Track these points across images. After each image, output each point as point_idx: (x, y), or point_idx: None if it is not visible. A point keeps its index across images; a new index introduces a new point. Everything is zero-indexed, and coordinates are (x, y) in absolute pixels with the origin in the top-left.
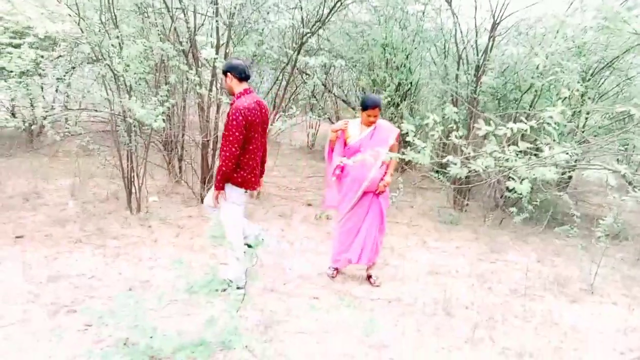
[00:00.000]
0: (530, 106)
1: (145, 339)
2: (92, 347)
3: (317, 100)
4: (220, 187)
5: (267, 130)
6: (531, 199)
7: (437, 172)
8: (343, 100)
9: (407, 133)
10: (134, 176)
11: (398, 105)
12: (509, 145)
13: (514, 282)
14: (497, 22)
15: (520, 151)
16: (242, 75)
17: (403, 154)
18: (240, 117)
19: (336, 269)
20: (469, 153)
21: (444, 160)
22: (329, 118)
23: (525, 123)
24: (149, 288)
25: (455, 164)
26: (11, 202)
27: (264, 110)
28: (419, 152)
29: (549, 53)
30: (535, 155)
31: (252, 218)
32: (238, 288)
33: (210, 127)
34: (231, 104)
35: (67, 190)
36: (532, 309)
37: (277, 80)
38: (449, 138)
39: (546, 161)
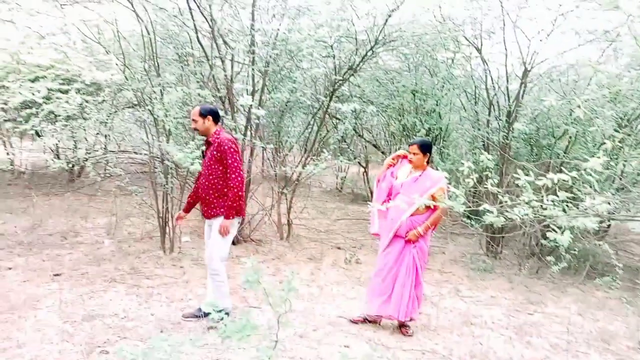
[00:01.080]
0: (565, 152)
1: None
2: None
3: (348, 144)
4: (232, 216)
5: None
6: (569, 247)
7: (468, 217)
8: (373, 145)
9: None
10: (168, 217)
11: None
12: (547, 194)
13: (555, 337)
14: (529, 69)
15: (561, 201)
16: (218, 119)
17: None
18: (235, 146)
19: (365, 318)
20: (506, 201)
21: (480, 208)
22: (358, 162)
23: (567, 173)
24: (180, 330)
25: (492, 212)
26: (50, 239)
27: None
28: (454, 199)
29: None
30: (574, 204)
31: (283, 260)
32: (227, 314)
33: (244, 170)
34: (209, 142)
35: (103, 229)
36: None
37: (308, 125)
38: (484, 185)
39: (588, 211)
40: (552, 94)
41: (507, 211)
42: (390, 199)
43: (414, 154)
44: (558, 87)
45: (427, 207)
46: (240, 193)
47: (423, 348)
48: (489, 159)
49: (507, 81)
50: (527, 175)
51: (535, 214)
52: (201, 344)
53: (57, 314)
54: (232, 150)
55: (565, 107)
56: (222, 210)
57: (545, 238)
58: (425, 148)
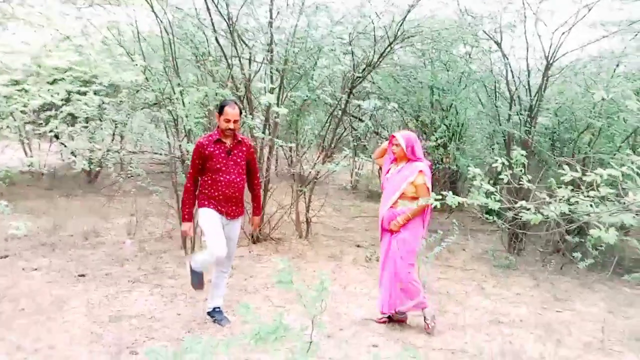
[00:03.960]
0: (589, 146)
1: None
2: None
3: (366, 142)
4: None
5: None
6: (595, 243)
7: (488, 213)
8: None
9: (474, 177)
10: None
11: (446, 146)
12: (587, 190)
13: (586, 335)
14: (551, 62)
15: (602, 197)
16: None
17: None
18: None
19: (388, 317)
20: (544, 198)
21: (517, 205)
22: (374, 160)
23: (617, 169)
24: (207, 330)
25: (529, 209)
26: (72, 240)
27: None
28: (488, 195)
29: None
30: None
31: (303, 259)
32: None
33: (263, 169)
34: (237, 141)
35: (123, 229)
36: None
37: (326, 122)
38: (519, 182)
39: (632, 207)
40: (575, 87)
41: (543, 208)
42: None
43: (396, 145)
44: (581, 80)
45: (411, 198)
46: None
47: (452, 347)
48: (522, 155)
49: (529, 75)
50: (574, 170)
51: (571, 211)
52: (236, 345)
53: (85, 315)
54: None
55: (588, 100)
56: (243, 209)
57: (570, 234)
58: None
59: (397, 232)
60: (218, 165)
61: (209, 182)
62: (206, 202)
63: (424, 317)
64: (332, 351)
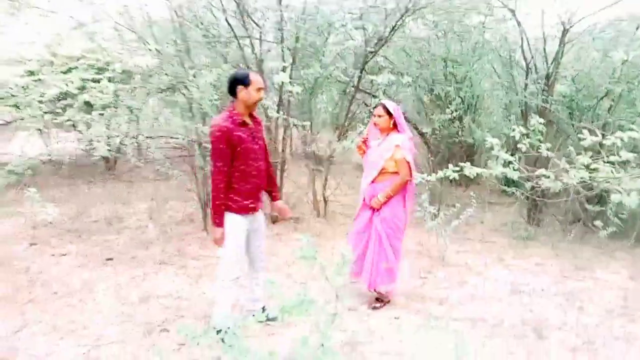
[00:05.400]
0: (608, 113)
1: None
2: None
3: None
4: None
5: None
6: (616, 211)
7: (507, 184)
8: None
9: (491, 147)
10: (208, 199)
11: (462, 119)
12: (608, 155)
13: (608, 302)
14: (567, 28)
15: (623, 162)
16: None
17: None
18: None
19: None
20: (564, 167)
21: (536, 174)
22: None
23: (638, 131)
24: (233, 308)
25: (548, 177)
26: (96, 226)
27: None
28: (507, 165)
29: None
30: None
31: (321, 237)
32: (218, 332)
33: (278, 149)
34: (255, 120)
35: (145, 213)
36: (634, 331)
37: (339, 100)
38: (538, 150)
39: None
40: (593, 53)
41: (562, 176)
42: None
43: (379, 115)
44: (599, 45)
45: (392, 173)
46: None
47: (473, 317)
48: (540, 123)
49: (545, 42)
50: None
51: (591, 177)
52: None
53: (114, 297)
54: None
55: (608, 65)
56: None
57: (590, 203)
58: (390, 110)
59: (379, 209)
60: (248, 152)
61: (237, 174)
62: (233, 205)
63: (377, 298)
64: (355, 323)
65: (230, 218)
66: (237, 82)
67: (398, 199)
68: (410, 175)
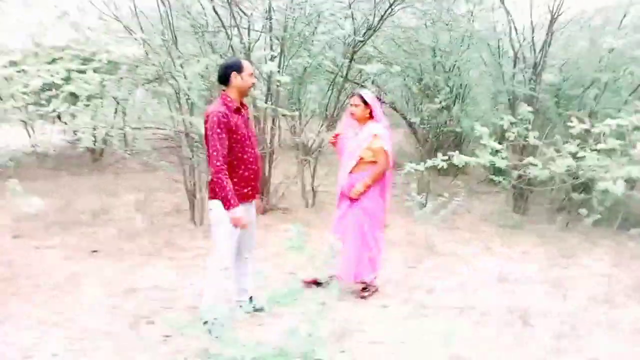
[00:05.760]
0: (594, 102)
1: (226, 349)
2: (173, 357)
3: None
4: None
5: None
6: (601, 199)
7: (494, 174)
8: (392, 108)
9: (480, 136)
10: (196, 190)
11: (450, 108)
12: (595, 143)
13: (592, 289)
14: (555, 16)
15: (610, 149)
16: None
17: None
18: None
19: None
20: (550, 155)
21: (524, 162)
22: None
23: (625, 118)
24: (221, 299)
25: (536, 165)
26: (83, 218)
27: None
28: (495, 153)
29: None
30: (622, 153)
31: (310, 227)
32: (205, 323)
33: (266, 140)
34: (243, 105)
35: (132, 205)
36: (616, 318)
37: (329, 90)
38: (525, 138)
39: None
40: (580, 42)
41: (550, 164)
42: None
43: (355, 105)
44: (586, 34)
45: (370, 163)
46: None
47: (461, 305)
48: (529, 112)
49: (533, 31)
50: (582, 122)
51: (578, 165)
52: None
53: (100, 289)
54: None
55: (595, 54)
56: None
57: (575, 191)
58: (366, 99)
59: (357, 200)
60: (244, 139)
61: (235, 162)
62: None
63: (365, 287)
64: (344, 312)
65: (223, 207)
66: (230, 69)
67: (377, 190)
68: (389, 164)
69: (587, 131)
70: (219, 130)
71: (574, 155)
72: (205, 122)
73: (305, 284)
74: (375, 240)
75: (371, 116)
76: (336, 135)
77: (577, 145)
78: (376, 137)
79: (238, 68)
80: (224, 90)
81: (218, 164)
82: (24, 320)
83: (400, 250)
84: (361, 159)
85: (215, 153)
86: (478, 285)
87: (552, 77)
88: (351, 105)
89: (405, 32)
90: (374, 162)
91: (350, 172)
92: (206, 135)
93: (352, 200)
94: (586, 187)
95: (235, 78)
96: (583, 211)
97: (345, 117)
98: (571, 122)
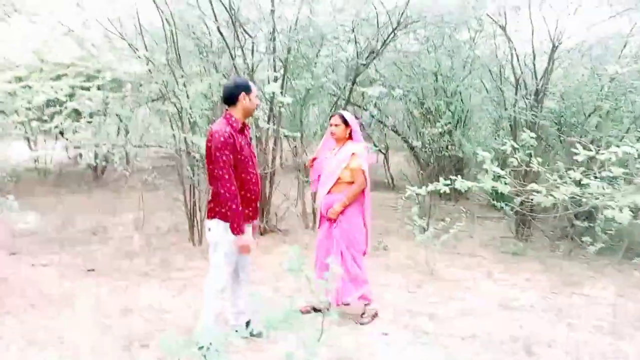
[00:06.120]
0: (596, 129)
1: None
2: None
3: (371, 131)
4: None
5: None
6: (604, 227)
7: (496, 199)
8: (394, 131)
9: (482, 161)
10: (196, 209)
11: (451, 133)
12: (600, 170)
13: (597, 319)
14: (557, 45)
15: (614, 177)
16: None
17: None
18: None
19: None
20: (555, 180)
21: (527, 188)
22: (379, 149)
23: (632, 146)
24: (217, 321)
25: (539, 192)
26: (81, 236)
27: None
28: (498, 179)
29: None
30: (628, 181)
31: (309, 249)
32: (200, 348)
33: (268, 160)
34: (245, 125)
35: (131, 224)
36: (622, 349)
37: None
38: (529, 164)
39: None
40: (581, 69)
41: (554, 191)
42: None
43: (335, 125)
44: (587, 62)
45: (348, 183)
46: None
47: (462, 333)
48: (531, 137)
49: (534, 58)
50: (588, 150)
51: (582, 193)
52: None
53: (95, 309)
54: None
55: (596, 82)
56: None
57: (578, 219)
58: (347, 119)
59: (336, 220)
60: (246, 160)
61: (238, 182)
62: None
63: (363, 313)
64: (343, 338)
65: (225, 228)
66: (240, 89)
67: (355, 210)
68: (366, 184)
69: (591, 159)
70: (226, 151)
71: (578, 183)
72: (209, 140)
73: (304, 312)
74: (353, 260)
75: (350, 137)
76: (313, 159)
77: (582, 173)
78: (355, 155)
79: (247, 89)
80: (227, 110)
81: (233, 188)
82: (15, 340)
83: (400, 274)
84: (339, 179)
85: (227, 177)
86: (480, 312)
87: (554, 104)
88: (331, 125)
89: (407, 57)
90: (352, 183)
91: (329, 192)
92: (209, 153)
93: (331, 220)
94: (589, 215)
95: (244, 99)
96: (587, 239)
97: (325, 137)
98: (576, 148)
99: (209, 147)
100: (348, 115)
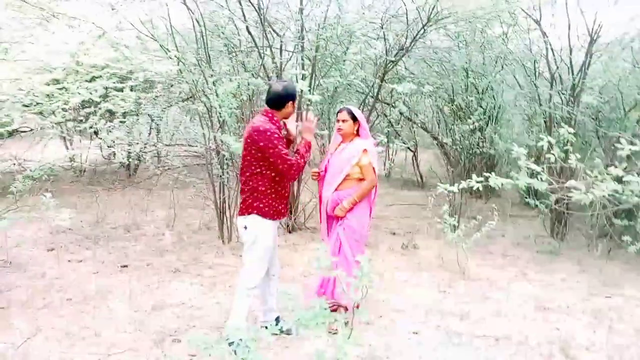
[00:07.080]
0: (637, 124)
1: None
2: None
3: (400, 128)
4: None
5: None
6: None
7: (529, 197)
8: (423, 128)
9: (517, 158)
10: (225, 207)
11: (483, 130)
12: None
13: (638, 321)
14: (595, 38)
15: None
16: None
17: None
18: None
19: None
20: (595, 176)
21: (566, 185)
22: (407, 147)
23: None
24: (247, 318)
25: (579, 189)
26: (114, 233)
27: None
28: (534, 176)
29: None
30: None
31: None
32: (230, 344)
33: None
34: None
35: (162, 221)
36: None
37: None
38: (567, 161)
39: None
40: (621, 63)
41: (594, 188)
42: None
43: (343, 120)
44: (628, 55)
45: (357, 180)
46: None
47: (496, 334)
48: (570, 132)
49: (571, 53)
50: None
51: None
52: (277, 332)
53: (128, 304)
54: None
55: (637, 76)
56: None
57: (617, 217)
58: (355, 114)
59: (343, 217)
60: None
61: (278, 178)
62: (269, 210)
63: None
64: (372, 338)
65: (263, 224)
66: (289, 98)
67: (364, 207)
68: (376, 181)
69: (632, 155)
70: (279, 141)
71: (619, 180)
72: (249, 136)
73: (332, 310)
74: (355, 260)
75: (357, 133)
76: (318, 173)
77: (624, 169)
78: (366, 152)
79: (295, 97)
80: (266, 109)
81: (292, 162)
82: (53, 334)
83: (431, 274)
84: (348, 175)
85: (289, 162)
86: (514, 312)
87: (591, 99)
88: (338, 120)
89: (437, 53)
90: (361, 180)
91: (336, 189)
92: (250, 148)
93: (337, 218)
94: (629, 213)
95: (291, 107)
96: (627, 238)
97: (334, 136)
98: (620, 143)
99: (250, 143)
100: (356, 110)
